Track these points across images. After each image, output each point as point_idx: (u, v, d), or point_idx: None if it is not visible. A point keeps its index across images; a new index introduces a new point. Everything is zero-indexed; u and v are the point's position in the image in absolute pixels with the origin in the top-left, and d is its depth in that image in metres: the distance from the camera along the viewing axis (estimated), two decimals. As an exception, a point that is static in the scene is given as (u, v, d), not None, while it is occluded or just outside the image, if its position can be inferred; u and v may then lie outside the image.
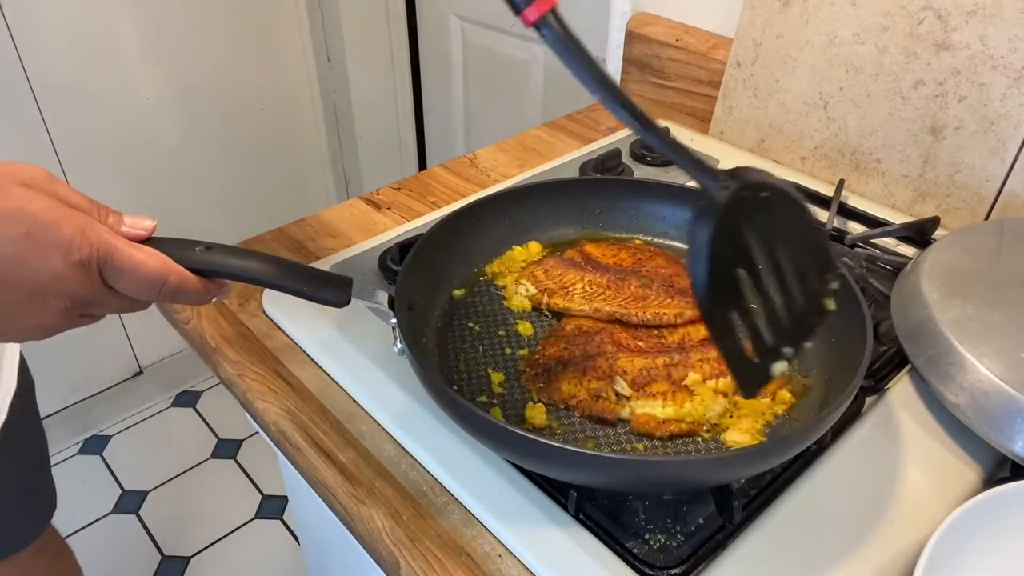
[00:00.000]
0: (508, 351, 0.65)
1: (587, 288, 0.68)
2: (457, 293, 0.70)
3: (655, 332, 0.65)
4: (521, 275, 0.71)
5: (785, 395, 0.59)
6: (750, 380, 0.48)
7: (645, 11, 1.15)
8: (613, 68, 1.20)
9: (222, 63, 1.75)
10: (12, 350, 0.83)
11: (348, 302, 0.53)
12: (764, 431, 0.57)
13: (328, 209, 0.89)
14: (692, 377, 0.58)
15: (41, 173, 0.43)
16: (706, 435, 0.57)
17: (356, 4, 1.85)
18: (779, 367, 0.49)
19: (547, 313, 0.68)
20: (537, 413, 0.58)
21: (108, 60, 1.57)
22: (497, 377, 0.62)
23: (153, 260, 0.44)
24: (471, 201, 0.72)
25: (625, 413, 0.58)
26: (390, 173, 2.11)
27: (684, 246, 0.76)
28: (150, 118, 1.68)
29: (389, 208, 0.90)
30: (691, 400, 0.58)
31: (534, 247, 0.75)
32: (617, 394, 0.58)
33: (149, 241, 0.46)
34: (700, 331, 0.65)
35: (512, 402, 0.60)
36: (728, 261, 0.46)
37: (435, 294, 0.69)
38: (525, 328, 0.67)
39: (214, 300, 0.50)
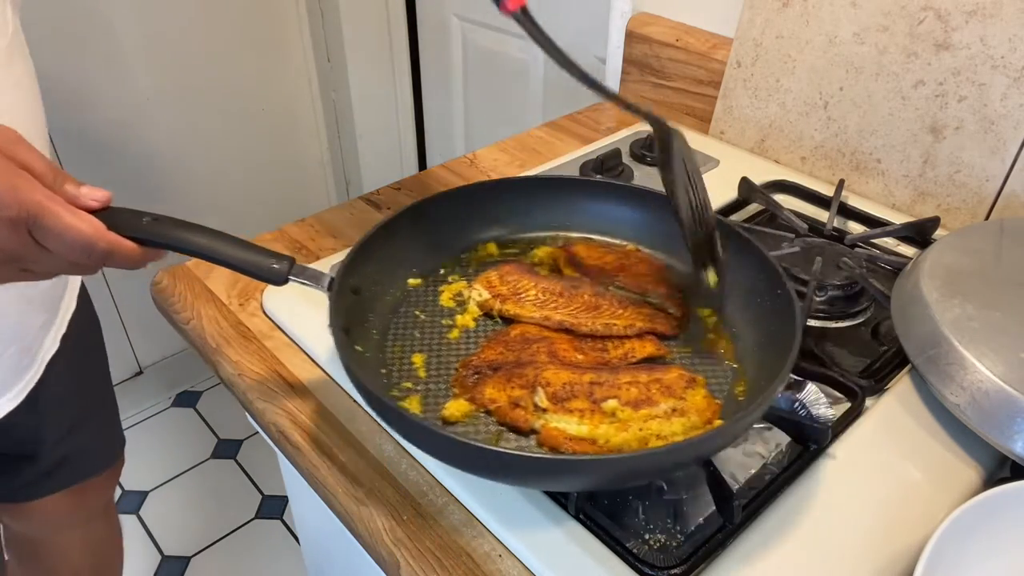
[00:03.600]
0: (451, 337, 0.65)
1: (539, 296, 0.67)
2: (413, 282, 0.70)
3: (600, 344, 0.64)
4: (476, 280, 0.70)
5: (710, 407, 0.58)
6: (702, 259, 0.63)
7: (645, 11, 1.15)
8: (613, 68, 1.20)
9: (222, 63, 1.75)
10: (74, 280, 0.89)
11: (286, 281, 0.54)
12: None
13: (328, 209, 0.89)
14: (611, 404, 0.56)
15: (7, 134, 0.45)
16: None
17: (356, 4, 1.85)
18: (711, 276, 0.64)
19: (498, 319, 0.67)
20: (456, 408, 0.57)
21: (108, 59, 1.57)
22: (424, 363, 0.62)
23: (84, 225, 0.46)
24: (437, 193, 0.71)
25: (538, 425, 0.56)
26: (390, 173, 2.11)
27: (657, 252, 0.75)
28: (150, 118, 1.68)
29: (389, 208, 0.90)
30: (608, 423, 0.56)
31: (491, 247, 0.74)
32: (535, 405, 0.57)
33: (101, 209, 0.48)
34: (646, 347, 0.63)
35: (436, 393, 0.60)
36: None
37: (389, 281, 0.68)
38: (465, 320, 0.67)
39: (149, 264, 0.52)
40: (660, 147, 0.62)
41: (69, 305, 0.87)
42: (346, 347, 0.54)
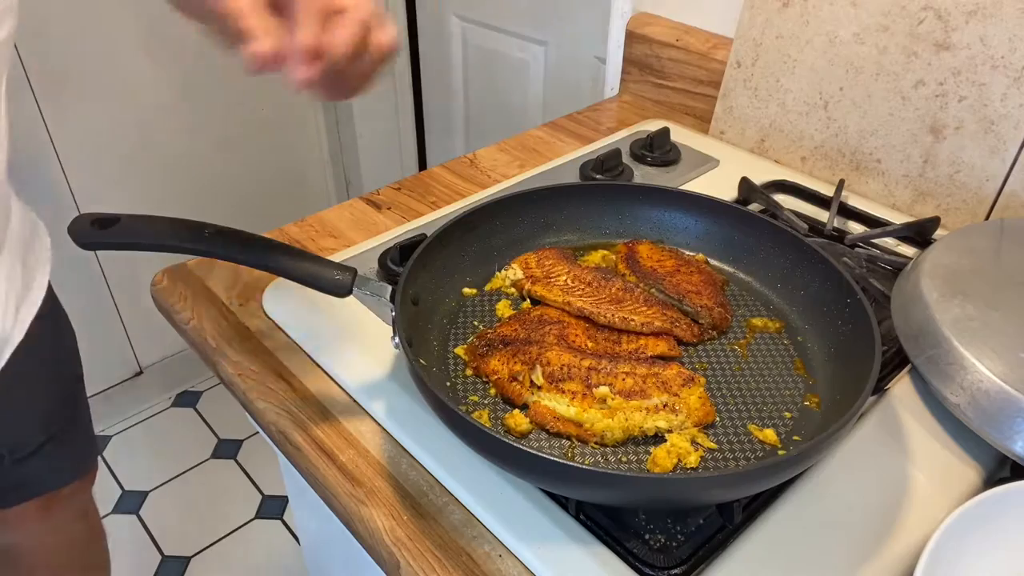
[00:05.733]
0: None
1: (569, 282, 0.68)
2: (468, 291, 0.70)
3: (614, 336, 0.64)
4: (515, 260, 0.72)
5: (768, 434, 0.57)
6: None
7: (645, 11, 1.15)
8: (613, 68, 1.20)
9: (222, 63, 1.75)
10: (43, 275, 0.83)
11: (350, 292, 0.53)
12: (694, 450, 0.55)
13: (328, 209, 0.89)
14: (603, 391, 0.57)
15: None
16: (595, 446, 0.56)
17: (356, 4, 1.85)
18: None
19: (528, 300, 0.69)
20: (520, 420, 0.57)
21: (109, 60, 1.57)
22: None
23: None
24: (488, 200, 0.72)
25: (531, 400, 0.58)
26: (390, 173, 2.11)
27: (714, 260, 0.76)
28: (150, 118, 1.68)
29: (389, 208, 0.90)
30: (597, 409, 0.56)
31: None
32: (532, 382, 0.58)
33: (157, 220, 0.46)
34: (658, 346, 0.63)
35: (504, 406, 0.60)
36: None
37: (444, 291, 0.68)
38: None
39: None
40: None
41: (24, 320, 0.79)
42: (415, 361, 0.53)
